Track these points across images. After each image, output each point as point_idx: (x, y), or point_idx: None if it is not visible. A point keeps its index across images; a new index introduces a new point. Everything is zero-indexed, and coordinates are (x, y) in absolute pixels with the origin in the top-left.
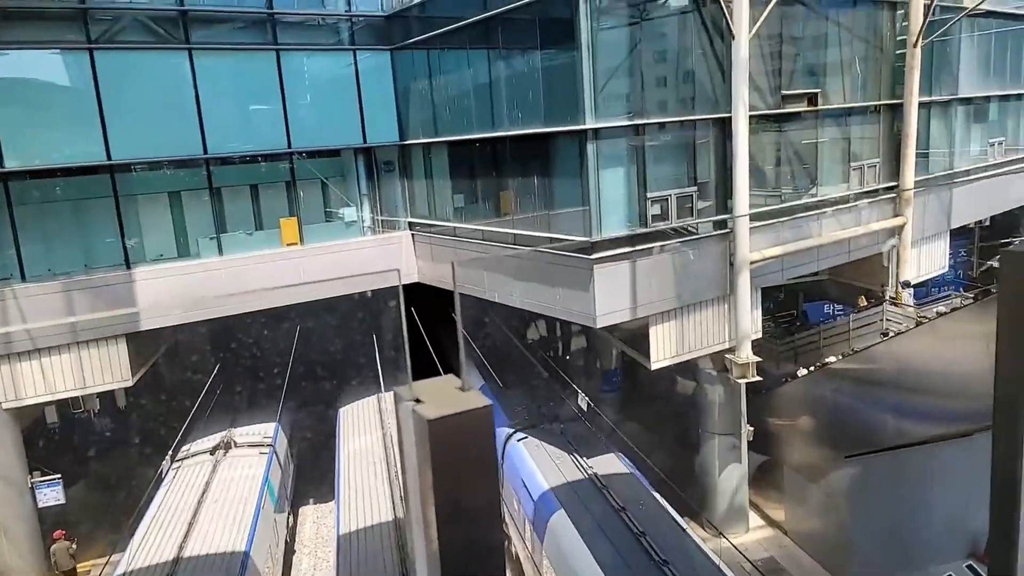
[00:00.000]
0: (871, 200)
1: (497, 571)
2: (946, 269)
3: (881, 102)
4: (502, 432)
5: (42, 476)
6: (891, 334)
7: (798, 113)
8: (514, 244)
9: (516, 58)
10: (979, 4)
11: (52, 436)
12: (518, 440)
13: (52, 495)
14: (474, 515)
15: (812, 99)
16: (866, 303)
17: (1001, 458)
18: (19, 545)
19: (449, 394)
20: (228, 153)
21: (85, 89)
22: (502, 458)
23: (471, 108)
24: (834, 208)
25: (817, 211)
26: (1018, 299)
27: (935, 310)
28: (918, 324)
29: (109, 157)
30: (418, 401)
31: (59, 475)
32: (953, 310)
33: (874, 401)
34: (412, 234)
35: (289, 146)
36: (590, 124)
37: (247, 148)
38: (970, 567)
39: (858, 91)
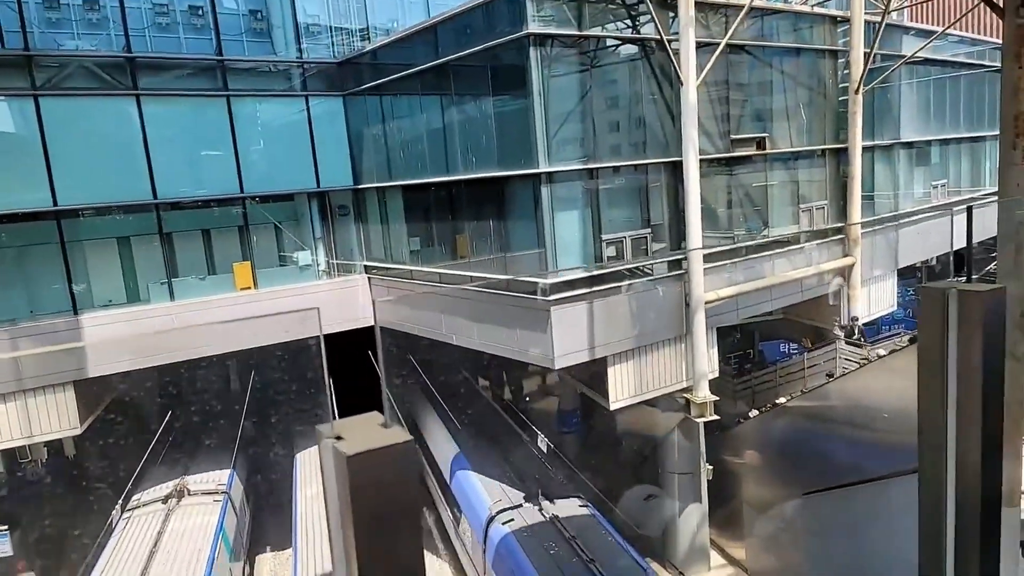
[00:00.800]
0: (821, 241)
1: None
2: (895, 308)
3: (827, 146)
4: (483, 512)
5: None
6: (836, 373)
7: (748, 157)
8: (471, 286)
9: (469, 104)
10: (916, 52)
11: None
12: (503, 523)
13: None
14: (395, 550)
15: (760, 143)
16: (810, 344)
17: (927, 499)
18: None
19: (371, 431)
20: (178, 198)
21: (30, 136)
22: (483, 540)
23: (425, 153)
24: (785, 249)
25: (769, 252)
26: (936, 334)
27: (876, 352)
28: (864, 363)
29: (55, 203)
30: (339, 438)
31: (6, 527)
32: (892, 351)
33: (829, 438)
34: (368, 278)
35: (241, 191)
36: (544, 168)
37: (198, 193)
38: None
39: (804, 136)
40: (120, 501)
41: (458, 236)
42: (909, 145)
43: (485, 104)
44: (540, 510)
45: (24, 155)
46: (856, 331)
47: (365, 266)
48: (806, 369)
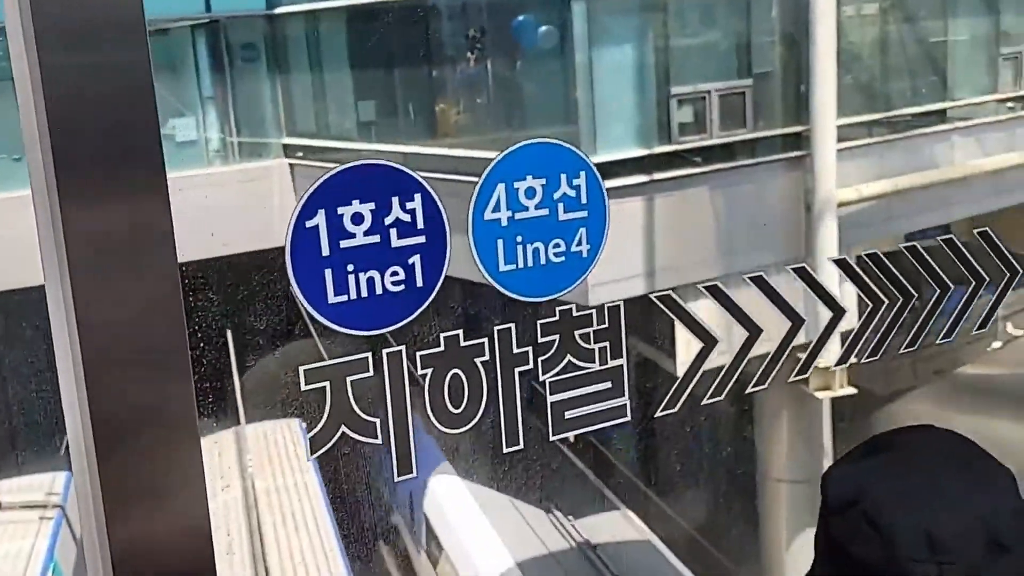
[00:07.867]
0: None
1: None
2: None
3: None
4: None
5: None
6: None
7: None
8: (456, 174)
9: None
10: None
11: None
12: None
13: None
14: None
15: None
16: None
17: None
18: None
19: None
20: None
21: None
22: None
23: None
24: (973, 122)
25: (947, 125)
26: None
27: None
28: None
29: None
30: None
31: None
32: None
33: None
34: (291, 164)
35: None
36: None
37: None
38: None
39: None
40: None
41: (439, 99)
42: None
43: None
44: (560, 530)
45: None
46: None
47: (285, 145)
48: (1001, 322)
